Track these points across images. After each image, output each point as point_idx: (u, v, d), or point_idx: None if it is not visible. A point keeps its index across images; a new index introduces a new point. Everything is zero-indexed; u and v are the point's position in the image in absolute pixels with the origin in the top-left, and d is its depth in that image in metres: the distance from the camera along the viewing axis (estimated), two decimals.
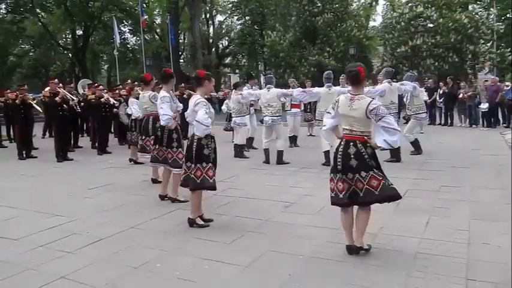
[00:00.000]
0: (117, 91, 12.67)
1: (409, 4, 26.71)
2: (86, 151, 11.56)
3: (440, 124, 16.09)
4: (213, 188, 4.80)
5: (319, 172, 7.70)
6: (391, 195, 3.79)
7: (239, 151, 9.73)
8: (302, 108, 12.42)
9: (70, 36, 36.92)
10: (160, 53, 35.76)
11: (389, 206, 5.10)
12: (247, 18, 36.24)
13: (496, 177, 6.88)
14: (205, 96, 4.95)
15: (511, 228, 4.16)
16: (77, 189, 6.98)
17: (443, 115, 16.20)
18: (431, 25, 25.46)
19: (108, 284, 3.49)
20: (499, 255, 3.74)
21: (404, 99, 10.30)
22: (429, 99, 15.02)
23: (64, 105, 10.05)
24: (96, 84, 13.55)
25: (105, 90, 12.61)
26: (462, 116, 15.60)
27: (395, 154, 8.25)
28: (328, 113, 4.11)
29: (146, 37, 34.25)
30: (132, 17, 33.22)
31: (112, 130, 13.09)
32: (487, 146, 10.32)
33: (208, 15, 39.69)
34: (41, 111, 11.63)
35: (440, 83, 16.73)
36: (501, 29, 26.38)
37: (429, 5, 25.50)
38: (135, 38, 37.85)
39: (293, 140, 11.28)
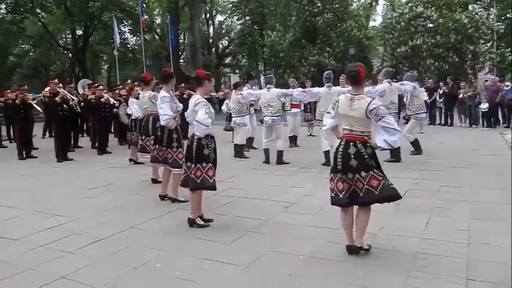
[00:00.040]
0: (117, 91, 12.67)
1: (409, 4, 26.71)
2: (86, 151, 11.56)
3: (440, 124, 16.10)
4: (213, 188, 4.79)
5: (319, 172, 7.71)
6: (391, 195, 3.79)
7: (239, 151, 9.73)
8: (302, 108, 12.42)
9: (70, 36, 36.93)
10: (160, 53, 35.77)
11: (389, 206, 5.10)
12: (247, 18, 36.25)
13: (496, 177, 6.88)
14: (205, 96, 4.95)
15: (511, 228, 4.16)
16: (77, 189, 6.98)
17: (443, 115, 16.20)
18: (431, 25, 25.46)
19: (108, 284, 3.49)
20: (499, 255, 3.74)
21: (405, 99, 10.30)
22: (429, 99, 15.03)
23: (64, 105, 10.05)
24: (96, 85, 13.55)
25: (105, 90, 12.61)
26: (462, 116, 15.60)
27: (395, 154, 8.25)
28: (328, 113, 4.12)
29: (146, 37, 34.25)
30: (132, 17, 33.23)
31: (112, 130, 13.09)
32: (487, 146, 10.32)
33: (208, 15, 39.71)
34: (41, 111, 11.63)
35: (440, 83, 16.73)
36: (501, 29, 26.38)
37: (429, 5, 25.50)
38: (135, 38, 37.88)
39: (293, 140, 11.28)
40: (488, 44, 25.21)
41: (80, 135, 13.26)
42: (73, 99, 10.92)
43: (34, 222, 5.19)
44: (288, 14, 28.03)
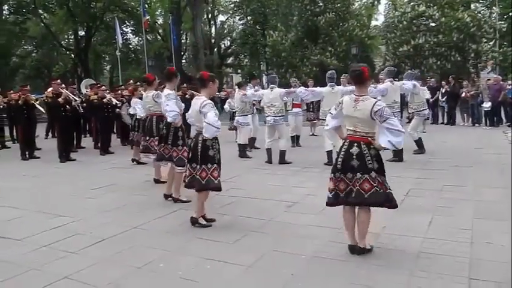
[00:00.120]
0: (119, 91, 12.69)
1: (411, 3, 26.65)
2: (88, 151, 11.58)
3: (442, 123, 16.06)
4: (218, 188, 4.81)
5: (322, 172, 7.69)
6: (380, 202, 3.77)
7: (242, 151, 9.74)
8: (304, 107, 12.42)
9: (72, 36, 37.02)
10: (162, 53, 35.82)
11: None
12: (249, 18, 36.27)
13: (498, 176, 6.86)
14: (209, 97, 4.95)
15: (511, 227, 4.16)
16: (79, 190, 6.99)
17: (445, 114, 16.18)
18: (433, 24, 25.41)
19: (111, 283, 3.50)
20: (502, 254, 3.73)
21: (406, 98, 10.32)
22: (432, 98, 15.00)
23: (67, 106, 10.07)
24: (99, 85, 13.56)
25: (108, 91, 12.63)
26: (465, 115, 15.56)
27: (397, 154, 8.24)
28: (331, 113, 4.12)
29: (148, 37, 34.29)
30: (134, 18, 33.30)
31: (114, 130, 13.10)
32: (490, 145, 10.29)
33: (210, 16, 39.73)
34: (43, 111, 11.66)
35: (443, 82, 16.69)
36: (504, 27, 26.27)
37: (431, 4, 25.43)
38: (137, 38, 37.98)
39: (295, 139, 11.27)
40: (491, 43, 25.15)
41: (82, 136, 13.28)
42: (76, 100, 10.95)
43: (37, 223, 5.20)
44: (290, 14, 28.03)
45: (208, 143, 4.72)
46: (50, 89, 10.54)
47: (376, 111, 3.70)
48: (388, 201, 3.78)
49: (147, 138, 7.30)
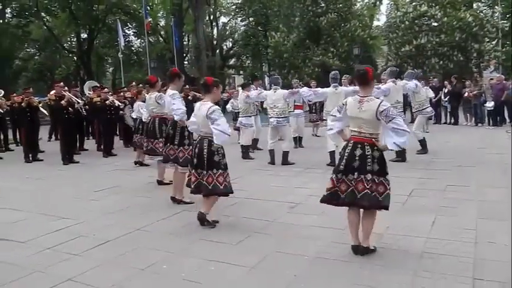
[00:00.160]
0: (121, 93, 12.71)
1: (413, 3, 26.59)
2: (91, 154, 11.61)
3: (445, 123, 16.05)
4: (224, 194, 4.85)
5: (324, 173, 7.68)
6: (368, 205, 3.77)
7: (245, 152, 9.75)
8: (307, 109, 12.40)
9: (75, 39, 37.08)
10: (164, 55, 35.86)
11: (395, 205, 5.10)
12: (251, 19, 36.30)
13: (502, 176, 6.84)
14: None
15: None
16: (83, 192, 7.01)
17: (448, 114, 16.15)
18: (435, 24, 25.34)
19: (115, 285, 3.51)
20: (506, 254, 3.72)
21: (409, 98, 10.33)
22: (434, 98, 14.98)
23: (70, 109, 10.11)
24: (102, 87, 13.58)
25: (110, 93, 12.66)
26: (468, 114, 15.53)
27: (401, 154, 8.23)
28: (333, 115, 4.12)
29: (150, 39, 34.34)
30: (136, 20, 33.38)
31: (117, 132, 13.13)
32: (493, 145, 10.27)
33: (212, 17, 39.74)
34: (47, 114, 11.69)
35: (445, 82, 16.66)
36: (506, 26, 26.20)
37: (433, 4, 25.37)
38: (139, 40, 38.04)
39: (297, 140, 11.27)
40: (494, 42, 25.05)
41: (85, 138, 13.31)
42: (78, 102, 10.98)
43: (41, 225, 5.22)
44: (292, 15, 28.01)
45: (213, 149, 4.74)
46: (52, 92, 10.56)
47: (382, 112, 3.70)
48: (376, 205, 3.77)
49: (152, 140, 7.24)
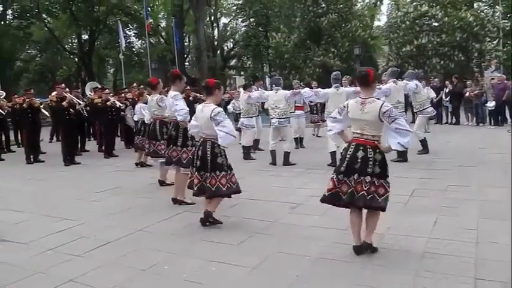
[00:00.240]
0: (122, 94, 12.72)
1: (414, 3, 26.59)
2: (92, 155, 11.63)
3: (447, 123, 16.03)
4: (227, 195, 4.86)
5: (326, 173, 7.66)
6: (365, 205, 3.79)
7: (246, 153, 9.75)
8: (307, 109, 12.39)
9: (76, 40, 37.17)
10: (165, 56, 35.89)
11: (397, 206, 5.11)
12: (251, 20, 36.28)
13: (503, 176, 6.83)
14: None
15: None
16: (84, 193, 7.02)
17: (449, 114, 16.14)
18: (436, 24, 25.33)
19: (116, 286, 3.51)
20: (508, 254, 3.71)
21: (410, 98, 10.33)
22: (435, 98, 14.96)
23: (71, 110, 10.12)
24: (103, 88, 13.58)
25: (111, 94, 12.67)
26: (469, 114, 15.51)
27: (402, 154, 8.22)
28: (334, 117, 4.12)
29: (151, 40, 34.37)
30: (137, 21, 33.43)
31: (118, 133, 13.14)
32: (494, 145, 10.26)
33: (212, 18, 39.76)
34: (48, 115, 11.71)
35: (446, 82, 16.65)
36: (507, 26, 26.17)
37: (434, 4, 25.37)
38: (140, 41, 38.07)
39: (298, 141, 11.26)
40: (495, 42, 25.04)
41: (86, 139, 13.33)
42: (80, 104, 11.00)
43: (42, 226, 5.22)
44: (293, 15, 28.00)
45: (216, 151, 4.76)
46: (54, 93, 10.59)
47: (385, 112, 3.71)
48: (369, 205, 3.78)
49: (154, 142, 7.24)
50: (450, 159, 8.52)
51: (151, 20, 28.91)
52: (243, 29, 38.92)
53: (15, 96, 13.06)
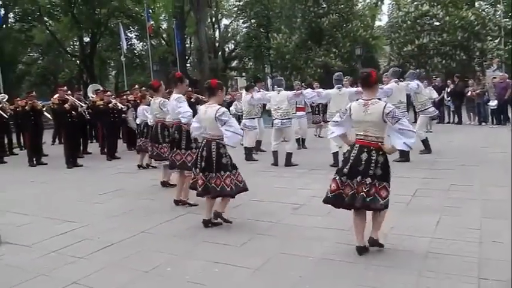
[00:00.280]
0: (124, 97, 12.73)
1: (415, 3, 26.54)
2: (95, 157, 11.64)
3: (449, 122, 16.01)
4: (231, 195, 4.87)
5: (328, 173, 7.61)
6: (362, 206, 3.79)
7: (248, 154, 9.75)
8: (309, 110, 12.38)
9: (77, 43, 37.24)
10: (167, 58, 35.96)
11: (399, 206, 5.11)
12: (252, 21, 36.34)
13: (505, 175, 6.80)
14: None
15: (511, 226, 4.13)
16: (87, 195, 7.03)
17: (451, 113, 16.11)
18: (437, 23, 25.30)
19: None
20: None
21: (411, 98, 10.31)
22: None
23: (73, 112, 10.13)
24: (105, 91, 13.59)
25: (113, 96, 12.69)
26: (471, 113, 15.48)
27: (404, 154, 8.21)
28: (335, 121, 4.12)
29: (153, 42, 34.46)
30: (139, 23, 33.50)
31: (120, 135, 13.15)
32: (497, 144, 10.23)
33: (214, 19, 39.82)
34: (50, 118, 11.73)
35: (448, 81, 16.63)
36: (508, 25, 26.13)
37: (435, 3, 25.32)
38: (141, 43, 38.11)
39: (300, 141, 11.25)
40: (496, 41, 24.99)
41: (89, 141, 13.33)
42: (82, 106, 11.01)
43: (46, 228, 5.23)
44: (294, 16, 28.00)
45: (221, 151, 4.79)
46: (56, 96, 10.61)
47: (388, 113, 3.72)
48: (367, 207, 3.79)
49: (156, 145, 7.26)
50: (452, 158, 8.51)
51: (153, 22, 28.95)
52: (244, 30, 39.00)
53: (18, 99, 13.06)
